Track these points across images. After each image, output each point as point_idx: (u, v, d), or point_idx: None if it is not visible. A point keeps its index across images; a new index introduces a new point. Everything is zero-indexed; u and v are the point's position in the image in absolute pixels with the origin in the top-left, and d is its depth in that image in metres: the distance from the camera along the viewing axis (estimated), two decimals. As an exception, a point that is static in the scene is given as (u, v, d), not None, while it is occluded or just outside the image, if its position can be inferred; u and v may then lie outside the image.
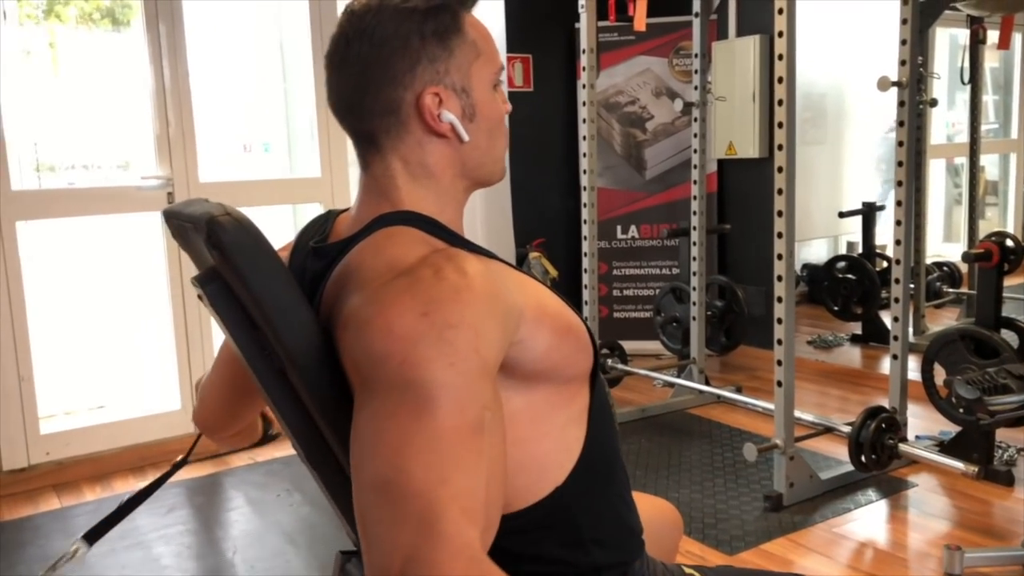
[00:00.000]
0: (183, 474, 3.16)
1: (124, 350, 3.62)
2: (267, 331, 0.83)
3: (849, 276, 4.30)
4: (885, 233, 4.55)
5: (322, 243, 0.94)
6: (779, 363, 2.66)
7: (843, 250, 5.03)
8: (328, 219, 1.01)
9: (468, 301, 0.77)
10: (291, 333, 0.82)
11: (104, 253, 3.51)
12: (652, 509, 1.41)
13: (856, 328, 4.46)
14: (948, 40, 5.02)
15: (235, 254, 0.79)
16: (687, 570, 1.09)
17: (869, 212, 4.36)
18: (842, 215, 4.41)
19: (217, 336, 3.41)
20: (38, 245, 3.27)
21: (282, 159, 3.84)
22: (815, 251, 5.14)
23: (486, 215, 3.83)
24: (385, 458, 0.72)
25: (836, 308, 4.39)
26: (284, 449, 3.37)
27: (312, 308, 0.87)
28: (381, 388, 0.75)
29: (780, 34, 2.52)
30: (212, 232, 0.78)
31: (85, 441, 3.17)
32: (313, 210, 3.64)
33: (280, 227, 3.88)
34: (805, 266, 4.90)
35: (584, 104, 3.24)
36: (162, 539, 2.67)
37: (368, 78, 0.90)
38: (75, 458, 3.14)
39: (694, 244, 3.60)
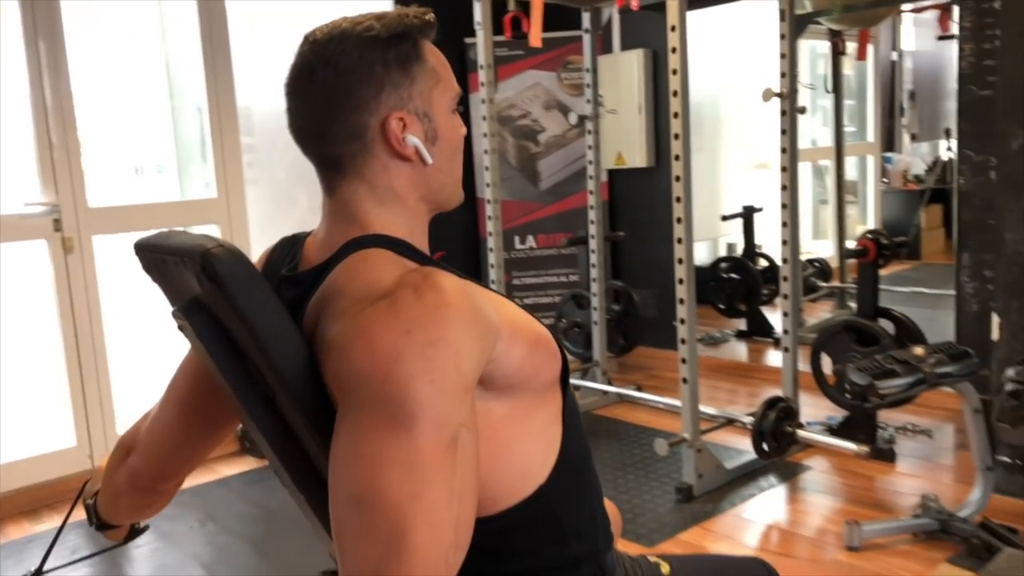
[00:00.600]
0: (83, 514, 3.03)
1: (9, 388, 3.42)
2: (259, 359, 0.85)
3: (733, 276, 4.53)
4: (761, 234, 4.83)
5: (294, 271, 0.96)
6: (683, 361, 2.80)
7: (723, 251, 5.30)
8: (296, 244, 1.03)
9: (448, 318, 0.80)
10: (285, 360, 0.84)
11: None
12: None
13: (741, 324, 4.71)
14: (808, 51, 5.38)
15: (230, 285, 0.80)
16: (651, 559, 1.16)
17: (749, 215, 4.61)
18: (724, 218, 4.64)
19: (116, 366, 3.29)
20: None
21: (172, 181, 3.73)
22: (697, 253, 5.38)
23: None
24: (361, 472, 0.75)
25: (722, 306, 4.62)
26: (189, 480, 3.28)
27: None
28: (362, 404, 0.78)
29: (674, 50, 2.67)
30: (207, 264, 0.80)
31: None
32: (210, 232, 3.55)
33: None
34: (690, 267, 5.14)
35: (484, 118, 3.30)
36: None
37: (333, 105, 0.93)
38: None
39: (592, 252, 3.73)
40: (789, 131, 2.88)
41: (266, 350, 0.83)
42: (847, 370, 2.34)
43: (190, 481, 3.22)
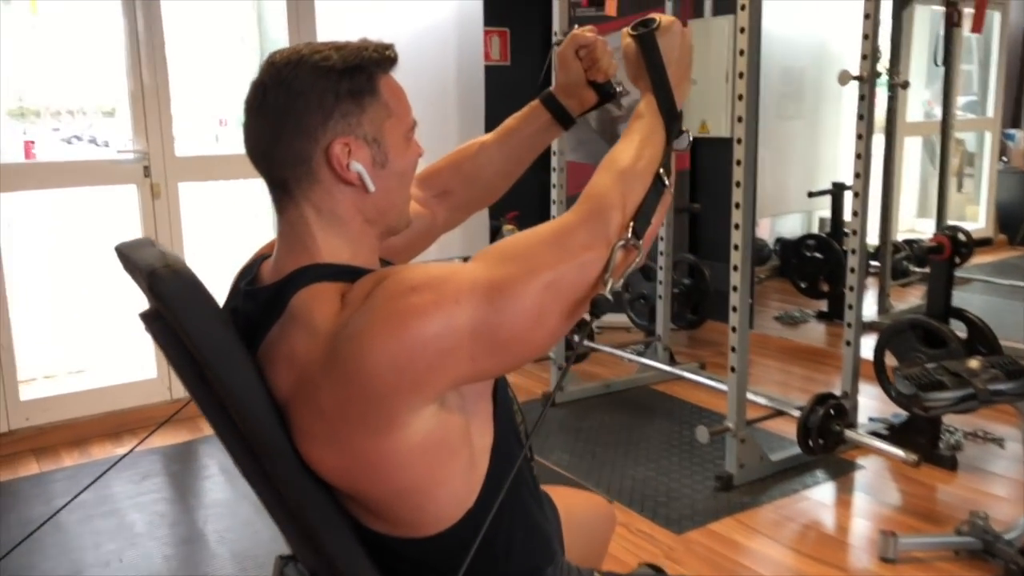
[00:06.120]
0: (159, 440, 3.27)
1: (102, 318, 3.69)
2: (207, 370, 0.91)
3: (817, 255, 4.39)
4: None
5: (251, 285, 1.01)
6: (733, 349, 2.75)
7: (816, 225, 5.11)
8: (261, 259, 1.08)
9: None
10: (229, 371, 0.89)
11: (83, 223, 3.57)
12: (583, 505, 1.51)
13: (823, 305, 4.56)
14: (929, 15, 5.05)
15: (174, 304, 0.86)
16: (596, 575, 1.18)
17: (838, 192, 4.43)
18: (811, 195, 4.47)
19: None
20: (19, 215, 3.32)
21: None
22: (790, 225, 5.21)
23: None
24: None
25: (803, 286, 4.48)
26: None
27: (245, 346, 0.94)
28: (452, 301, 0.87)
29: (743, 7, 2.59)
30: (152, 284, 0.85)
31: (64, 407, 3.26)
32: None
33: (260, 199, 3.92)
34: (779, 240, 4.99)
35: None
36: (136, 507, 2.77)
37: (281, 128, 0.95)
38: (54, 423, 3.23)
39: (662, 225, 3.67)
40: (866, 116, 2.74)
41: (210, 363, 0.89)
42: (896, 377, 2.26)
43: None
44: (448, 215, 1.33)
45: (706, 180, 4.44)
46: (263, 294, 0.98)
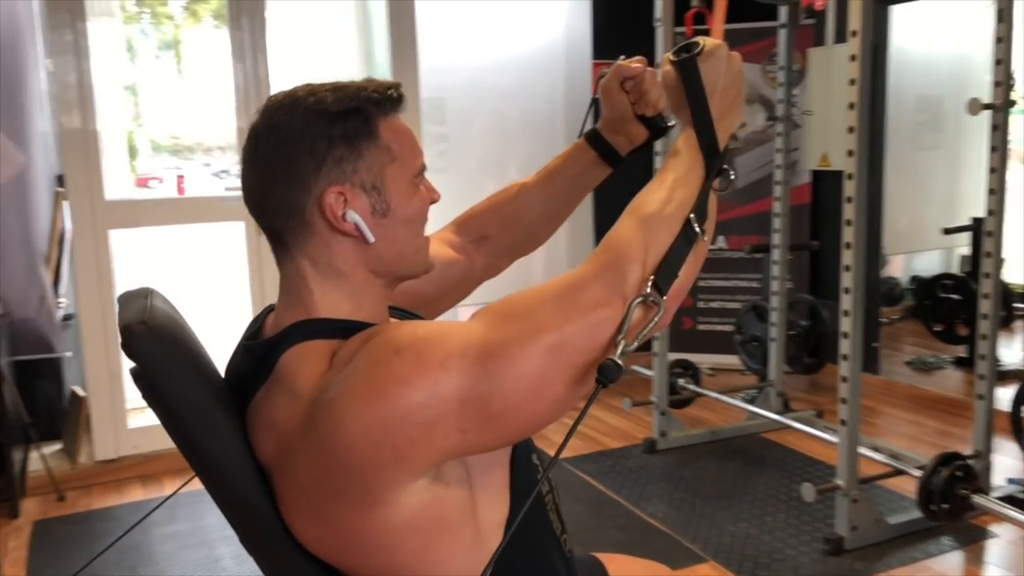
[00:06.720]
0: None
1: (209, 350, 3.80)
2: (187, 432, 0.86)
3: (953, 296, 4.03)
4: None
5: (252, 339, 0.96)
6: (843, 401, 2.53)
7: (957, 264, 4.72)
8: (263, 315, 1.02)
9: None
10: (206, 436, 0.84)
11: (197, 257, 3.71)
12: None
13: (961, 350, 4.18)
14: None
15: (148, 364, 0.82)
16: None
17: (978, 228, 4.06)
18: (946, 231, 4.13)
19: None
20: (132, 247, 3.48)
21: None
22: (928, 263, 4.83)
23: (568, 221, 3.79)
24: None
25: (938, 329, 4.13)
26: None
27: (234, 406, 0.88)
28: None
29: (854, 33, 2.41)
30: (126, 342, 0.81)
31: (168, 436, 3.35)
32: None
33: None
34: (914, 279, 4.63)
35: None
36: (226, 540, 2.80)
37: (273, 177, 0.90)
38: (159, 452, 3.33)
39: (774, 263, 3.46)
40: (1000, 148, 2.48)
41: (187, 427, 0.84)
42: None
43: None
44: (487, 261, 1.25)
45: (828, 216, 4.17)
46: (259, 350, 0.92)
